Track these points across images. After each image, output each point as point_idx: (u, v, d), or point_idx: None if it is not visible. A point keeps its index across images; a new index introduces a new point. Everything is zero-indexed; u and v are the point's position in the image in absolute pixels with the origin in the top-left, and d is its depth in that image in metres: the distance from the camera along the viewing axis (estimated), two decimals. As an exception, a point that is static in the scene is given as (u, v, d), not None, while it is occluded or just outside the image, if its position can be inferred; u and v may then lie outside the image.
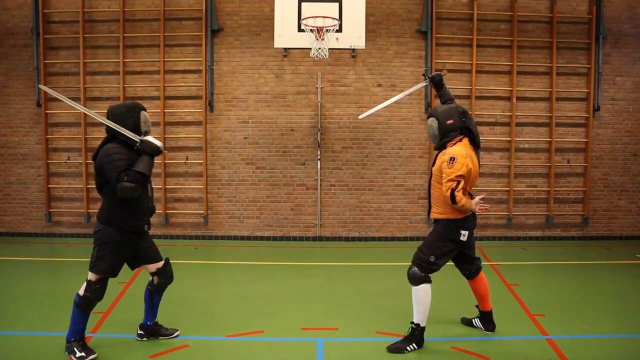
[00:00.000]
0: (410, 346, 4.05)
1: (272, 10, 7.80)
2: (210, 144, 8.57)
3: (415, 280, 4.08)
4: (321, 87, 8.52)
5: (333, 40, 7.43)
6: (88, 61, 8.49)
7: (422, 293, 4.06)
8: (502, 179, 8.69)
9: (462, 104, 8.55)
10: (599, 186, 8.81)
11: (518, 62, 8.51)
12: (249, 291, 5.79)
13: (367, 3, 7.83)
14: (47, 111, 8.56)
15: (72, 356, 3.81)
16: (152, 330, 4.24)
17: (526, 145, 8.69)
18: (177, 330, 4.36)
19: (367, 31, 8.00)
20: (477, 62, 8.48)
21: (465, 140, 4.11)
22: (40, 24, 8.37)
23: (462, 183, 3.89)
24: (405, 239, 8.66)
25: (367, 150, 8.60)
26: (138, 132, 3.88)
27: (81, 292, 3.85)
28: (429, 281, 4.08)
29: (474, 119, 8.75)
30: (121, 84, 8.41)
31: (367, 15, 7.84)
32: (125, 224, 3.85)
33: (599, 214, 8.84)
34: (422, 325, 4.11)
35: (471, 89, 8.47)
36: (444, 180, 3.95)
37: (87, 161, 8.53)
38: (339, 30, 7.50)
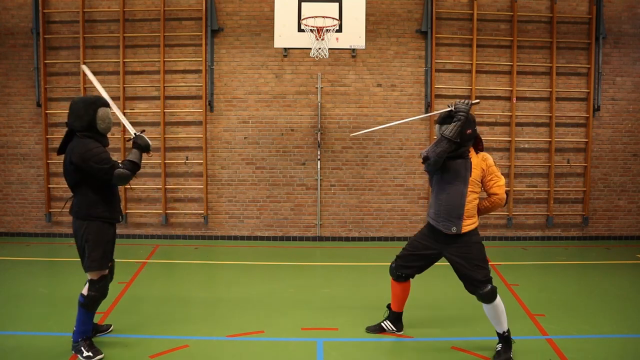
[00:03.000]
0: (511, 354, 3.92)
1: (272, 10, 7.80)
2: (210, 144, 8.57)
3: (491, 297, 3.88)
4: (321, 87, 8.52)
5: (333, 40, 7.43)
6: (88, 61, 8.48)
7: (499, 303, 3.91)
8: (502, 179, 8.68)
9: (462, 104, 8.62)
10: (599, 186, 8.81)
11: (518, 62, 8.51)
12: (249, 291, 5.79)
13: (367, 3, 7.83)
14: (47, 111, 8.56)
15: (79, 356, 3.82)
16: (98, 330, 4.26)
17: (526, 145, 8.69)
18: (111, 325, 4.40)
19: (367, 31, 8.00)
20: (477, 62, 8.48)
21: (473, 150, 4.03)
22: (40, 24, 8.37)
23: None
24: (405, 239, 8.59)
25: (367, 150, 8.60)
26: (93, 129, 3.80)
27: (85, 292, 3.85)
28: (497, 289, 3.94)
29: (475, 119, 8.79)
30: (121, 84, 8.41)
31: (367, 15, 7.84)
32: (108, 216, 3.88)
33: (599, 214, 8.84)
34: (507, 329, 3.96)
35: (471, 89, 8.47)
36: (499, 182, 3.95)
37: (87, 161, 8.53)
38: (339, 30, 7.50)
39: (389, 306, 4.49)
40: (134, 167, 3.85)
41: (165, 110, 8.50)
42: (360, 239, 8.66)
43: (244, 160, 8.62)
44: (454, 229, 3.93)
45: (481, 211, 4.07)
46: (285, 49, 8.36)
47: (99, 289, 3.88)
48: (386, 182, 8.64)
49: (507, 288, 5.86)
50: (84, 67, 4.66)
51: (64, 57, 8.57)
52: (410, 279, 4.34)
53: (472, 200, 3.95)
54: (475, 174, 3.95)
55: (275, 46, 7.94)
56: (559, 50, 8.59)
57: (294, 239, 8.66)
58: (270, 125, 8.59)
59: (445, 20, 8.53)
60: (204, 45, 8.37)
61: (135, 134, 4.02)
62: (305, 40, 7.42)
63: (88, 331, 3.90)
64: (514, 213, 8.65)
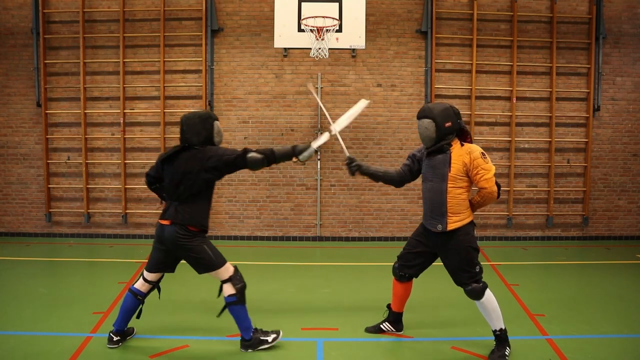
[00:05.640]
0: (507, 350, 3.89)
1: (272, 10, 7.81)
2: (210, 144, 8.56)
3: (479, 295, 3.84)
4: (321, 87, 8.52)
5: (333, 40, 7.43)
6: (88, 61, 8.49)
7: (489, 301, 3.87)
8: (502, 179, 8.68)
9: (462, 104, 8.67)
10: (599, 186, 8.81)
11: (518, 62, 8.51)
12: (249, 291, 5.77)
13: (367, 3, 7.83)
14: (47, 111, 8.56)
15: (262, 346, 4.01)
16: (126, 333, 4.22)
17: (526, 145, 8.69)
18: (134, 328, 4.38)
19: (367, 31, 8.00)
20: (477, 62, 8.48)
21: (458, 143, 3.94)
22: (40, 24, 8.37)
23: None
24: (405, 239, 8.53)
25: (367, 150, 8.60)
26: (211, 142, 3.95)
27: (228, 291, 3.94)
28: (486, 286, 3.89)
29: (474, 119, 8.81)
30: (121, 84, 8.41)
31: (367, 15, 7.85)
32: (207, 227, 3.98)
33: (599, 214, 8.84)
34: (504, 327, 3.92)
35: (471, 89, 8.47)
36: (487, 175, 3.78)
37: (87, 161, 8.54)
38: (339, 30, 7.51)
39: (389, 306, 4.48)
40: (268, 154, 3.92)
41: (165, 110, 8.50)
42: (360, 239, 8.66)
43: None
44: (439, 227, 3.90)
45: (474, 206, 3.97)
46: (285, 49, 8.36)
47: (240, 278, 4.00)
48: (386, 182, 8.63)
49: (507, 288, 5.86)
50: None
51: (64, 57, 8.57)
52: (413, 279, 4.32)
53: (455, 196, 3.86)
54: (456, 168, 3.84)
55: (275, 46, 7.95)
56: (559, 50, 8.59)
57: (294, 239, 8.66)
58: (270, 125, 8.59)
59: (445, 20, 8.53)
60: (204, 45, 8.37)
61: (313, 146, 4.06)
62: (305, 40, 7.42)
63: (250, 324, 4.02)
64: (514, 213, 8.65)
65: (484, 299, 3.86)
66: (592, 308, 5.21)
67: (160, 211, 4.01)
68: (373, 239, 8.67)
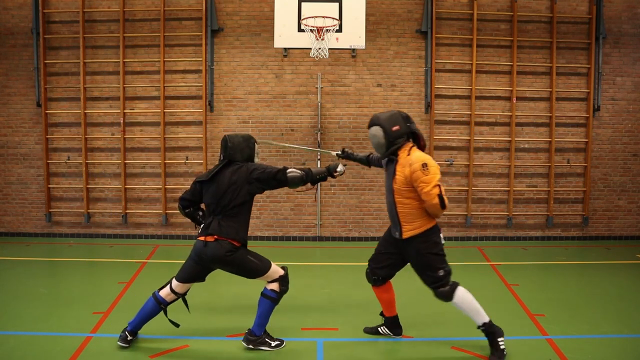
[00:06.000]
0: (500, 343, 3.85)
1: (272, 10, 7.80)
2: (210, 144, 8.56)
3: (448, 296, 3.86)
4: (321, 87, 8.52)
5: (333, 40, 7.43)
6: (88, 61, 8.49)
7: (462, 300, 3.87)
8: (502, 179, 8.69)
9: (462, 104, 8.67)
10: (599, 186, 8.81)
11: (518, 62, 8.51)
12: (249, 291, 5.78)
13: (367, 3, 7.83)
14: (47, 111, 8.56)
15: (263, 347, 4.10)
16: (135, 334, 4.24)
17: (526, 145, 8.69)
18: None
19: (367, 31, 8.00)
20: (477, 62, 8.48)
21: (415, 147, 3.93)
22: (40, 24, 8.37)
23: (442, 187, 3.73)
24: (405, 239, 8.64)
25: (367, 151, 8.59)
26: (252, 160, 4.20)
27: (275, 287, 4.10)
28: (457, 284, 3.89)
29: (474, 118, 8.80)
30: (121, 84, 8.41)
31: (367, 15, 7.84)
32: (246, 238, 4.14)
33: (599, 214, 8.84)
34: (486, 321, 3.89)
35: (471, 89, 8.47)
36: (426, 189, 3.68)
37: (87, 161, 8.54)
38: (339, 30, 7.50)
39: (382, 314, 4.44)
40: (306, 173, 4.14)
41: (165, 110, 8.50)
42: (360, 239, 8.66)
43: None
44: (397, 234, 3.98)
45: (431, 214, 3.89)
46: (285, 49, 8.36)
47: (287, 282, 4.17)
48: (386, 182, 8.63)
49: (507, 288, 5.86)
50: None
51: (64, 57, 8.57)
52: (390, 281, 4.28)
53: (404, 206, 3.85)
54: (400, 181, 3.82)
55: (275, 46, 7.95)
56: (559, 50, 8.59)
57: (294, 239, 8.66)
58: (270, 125, 8.59)
59: (445, 20, 8.53)
60: (204, 45, 8.37)
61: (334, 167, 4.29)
62: (305, 40, 7.42)
63: (266, 324, 4.14)
64: (514, 213, 8.65)
65: (454, 300, 3.87)
66: (592, 308, 5.21)
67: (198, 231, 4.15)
68: (373, 239, 8.67)
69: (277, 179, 4.06)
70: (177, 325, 4.21)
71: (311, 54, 7.36)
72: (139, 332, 4.30)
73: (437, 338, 4.38)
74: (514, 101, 8.53)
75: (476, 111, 8.53)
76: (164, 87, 8.46)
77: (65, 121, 8.67)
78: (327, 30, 7.20)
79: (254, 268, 4.07)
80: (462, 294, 3.88)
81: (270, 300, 4.09)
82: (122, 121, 8.48)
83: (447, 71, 8.59)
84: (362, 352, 4.12)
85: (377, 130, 3.92)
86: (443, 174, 8.55)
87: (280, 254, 7.81)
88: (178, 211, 8.79)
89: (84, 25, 8.38)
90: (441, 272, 3.87)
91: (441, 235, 3.97)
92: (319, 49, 7.24)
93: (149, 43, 8.51)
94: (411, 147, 3.92)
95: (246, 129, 8.56)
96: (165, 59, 8.44)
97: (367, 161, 4.60)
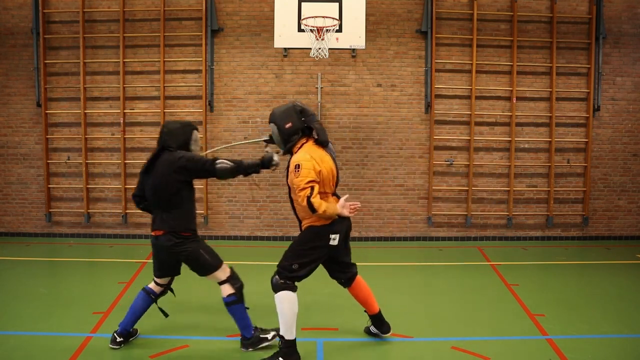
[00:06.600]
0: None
1: (272, 10, 7.80)
2: (210, 144, 8.56)
3: (275, 287, 3.83)
4: (321, 87, 8.52)
5: (333, 40, 7.42)
6: (88, 61, 8.49)
7: (281, 301, 3.79)
8: (502, 179, 8.69)
9: (462, 104, 8.66)
10: (599, 186, 8.80)
11: (518, 62, 8.51)
12: (249, 291, 5.77)
13: (367, 3, 7.82)
14: (47, 111, 8.55)
15: (263, 344, 4.09)
16: (130, 334, 4.21)
17: (526, 145, 8.69)
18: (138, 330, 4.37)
19: (367, 31, 7.99)
20: (477, 62, 8.48)
21: (310, 142, 3.84)
22: (40, 24, 8.37)
23: (316, 188, 3.62)
24: (405, 239, 8.66)
25: (367, 150, 8.60)
26: (187, 149, 4.01)
27: (229, 290, 4.00)
28: (290, 289, 3.81)
29: (474, 118, 8.78)
30: (121, 84, 8.41)
31: (367, 15, 7.84)
32: (195, 229, 4.02)
33: (599, 214, 8.84)
34: (286, 337, 3.78)
35: (471, 89, 8.47)
36: (296, 191, 3.66)
37: (87, 161, 8.54)
38: (339, 30, 7.49)
39: (366, 312, 4.40)
40: (236, 164, 3.94)
41: (165, 110, 8.50)
42: (360, 239, 8.65)
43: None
44: (299, 229, 3.99)
45: None
46: (285, 49, 8.36)
47: (237, 278, 4.08)
48: (386, 182, 8.64)
49: (507, 288, 5.86)
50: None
51: (64, 57, 8.57)
52: (358, 277, 4.25)
53: (299, 202, 3.76)
54: (290, 176, 3.79)
55: (275, 46, 7.94)
56: (559, 50, 8.59)
57: (294, 239, 8.64)
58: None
59: (445, 20, 8.52)
60: (204, 45, 8.36)
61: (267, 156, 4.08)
62: (305, 40, 7.41)
63: (250, 322, 4.09)
64: (514, 213, 8.65)
65: (279, 295, 3.81)
66: (592, 308, 5.21)
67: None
68: (373, 239, 8.67)
69: (205, 169, 3.90)
70: (166, 315, 4.24)
71: (311, 54, 7.35)
72: (139, 332, 4.31)
73: (437, 338, 4.38)
74: (514, 101, 8.53)
75: (476, 111, 8.53)
76: (164, 87, 8.46)
77: (65, 121, 8.67)
78: (327, 30, 7.19)
79: (205, 263, 3.98)
80: (289, 298, 3.81)
81: (234, 304, 4.01)
82: (122, 121, 8.48)
83: (447, 71, 8.59)
84: (362, 352, 4.12)
85: (272, 127, 3.90)
86: (443, 174, 8.62)
87: (281, 254, 7.78)
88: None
89: (84, 25, 8.38)
90: (295, 266, 3.84)
91: (332, 236, 3.84)
92: (319, 49, 7.24)
93: (149, 43, 8.51)
94: (302, 145, 3.84)
95: (246, 129, 8.57)
96: (165, 59, 8.44)
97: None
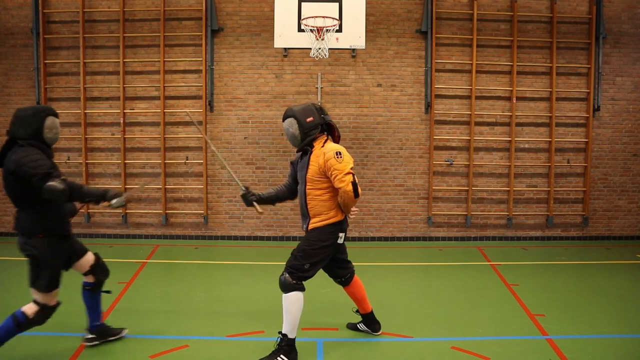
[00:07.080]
0: (279, 359, 3.78)
1: (272, 10, 7.80)
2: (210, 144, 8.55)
3: (286, 287, 3.83)
4: (321, 87, 8.52)
5: (333, 40, 7.43)
6: (88, 61, 8.49)
7: (291, 301, 3.81)
8: (502, 179, 8.69)
9: (462, 104, 8.66)
10: (599, 186, 8.81)
11: (518, 62, 8.51)
12: (249, 291, 5.79)
13: (367, 3, 7.83)
14: (47, 111, 8.55)
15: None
16: (102, 331, 4.16)
17: (526, 145, 8.69)
18: (126, 329, 4.31)
19: (367, 31, 8.00)
20: (477, 62, 8.48)
21: (330, 139, 3.99)
22: (40, 24, 8.37)
23: (355, 177, 3.76)
24: (405, 239, 8.66)
25: (367, 150, 8.60)
26: (40, 138, 3.56)
27: (29, 310, 3.62)
28: (300, 289, 3.85)
29: (474, 118, 8.78)
30: (121, 84, 8.41)
31: (367, 15, 7.84)
32: (56, 229, 3.67)
33: (599, 214, 8.84)
34: (290, 336, 3.84)
35: (471, 89, 8.47)
36: (339, 175, 3.70)
37: (87, 161, 8.54)
38: (339, 30, 7.50)
39: (357, 311, 4.45)
40: (73, 188, 3.47)
41: (166, 110, 8.50)
42: (360, 239, 8.65)
43: (244, 160, 8.62)
44: (304, 227, 4.01)
45: (342, 207, 3.91)
46: (285, 49, 8.36)
47: (42, 317, 3.65)
48: (386, 182, 8.64)
49: (507, 288, 5.86)
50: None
51: (64, 57, 8.57)
52: (356, 276, 4.33)
53: (315, 197, 3.87)
54: (313, 170, 3.85)
55: (275, 46, 7.94)
56: (559, 50, 8.59)
57: (294, 239, 8.65)
58: (270, 125, 8.59)
59: (445, 20, 8.53)
60: (204, 45, 8.37)
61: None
62: (305, 40, 7.41)
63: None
64: (514, 213, 8.65)
65: (289, 295, 3.81)
66: (592, 308, 5.21)
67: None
68: (373, 239, 8.67)
69: (33, 182, 3.38)
70: (109, 292, 4.21)
71: (311, 54, 7.35)
72: (139, 332, 4.30)
73: (437, 338, 4.38)
74: (514, 101, 8.53)
75: (476, 111, 8.53)
76: (164, 87, 8.46)
77: (65, 121, 8.65)
78: (327, 30, 7.20)
79: (37, 276, 3.61)
80: (298, 298, 3.83)
81: (16, 322, 3.58)
82: (122, 121, 8.49)
83: (447, 71, 8.59)
84: (362, 352, 4.12)
85: (291, 122, 3.92)
86: (443, 174, 8.62)
87: (280, 254, 7.79)
88: (178, 211, 8.76)
89: (84, 25, 8.38)
90: (307, 266, 3.87)
91: (341, 234, 3.98)
92: (319, 49, 7.24)
93: (149, 43, 8.51)
94: (326, 140, 3.96)
95: (246, 129, 8.57)
96: (165, 59, 8.44)
97: (276, 196, 4.30)
